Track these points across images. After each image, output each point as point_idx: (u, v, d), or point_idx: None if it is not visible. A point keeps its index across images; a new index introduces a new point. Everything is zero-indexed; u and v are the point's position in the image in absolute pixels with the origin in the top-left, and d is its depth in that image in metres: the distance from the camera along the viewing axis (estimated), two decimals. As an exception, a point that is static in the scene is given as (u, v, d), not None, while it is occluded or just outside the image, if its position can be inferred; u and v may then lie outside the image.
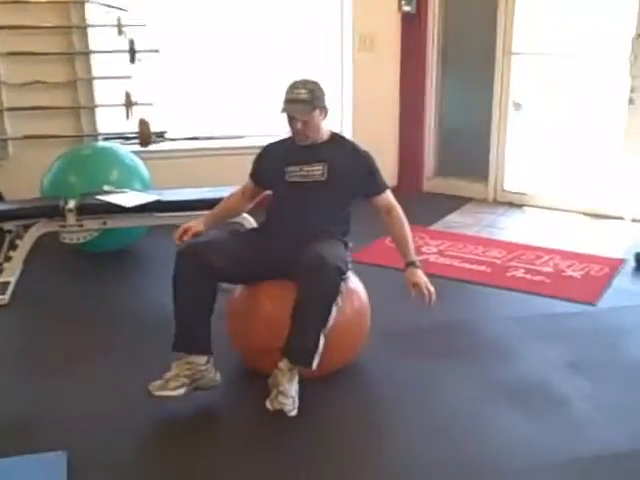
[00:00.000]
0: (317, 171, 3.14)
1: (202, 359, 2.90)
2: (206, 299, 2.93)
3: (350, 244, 3.24)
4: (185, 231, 3.18)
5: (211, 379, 2.95)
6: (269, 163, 3.28)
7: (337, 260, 2.89)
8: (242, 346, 3.20)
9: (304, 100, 3.03)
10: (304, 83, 3.08)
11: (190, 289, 2.91)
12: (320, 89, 3.12)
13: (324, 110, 3.13)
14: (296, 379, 2.81)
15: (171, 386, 2.83)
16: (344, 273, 2.93)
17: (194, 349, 2.91)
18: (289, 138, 3.29)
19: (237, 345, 3.21)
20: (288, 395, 2.74)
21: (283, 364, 2.81)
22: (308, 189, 3.14)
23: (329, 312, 2.84)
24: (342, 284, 2.91)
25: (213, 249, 2.96)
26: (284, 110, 3.07)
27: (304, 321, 2.83)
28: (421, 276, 3.08)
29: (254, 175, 3.35)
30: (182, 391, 2.83)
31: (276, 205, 3.26)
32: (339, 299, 2.89)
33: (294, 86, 3.08)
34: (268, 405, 2.73)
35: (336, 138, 3.30)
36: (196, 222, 3.25)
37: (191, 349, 2.91)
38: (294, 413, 2.74)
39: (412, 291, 3.06)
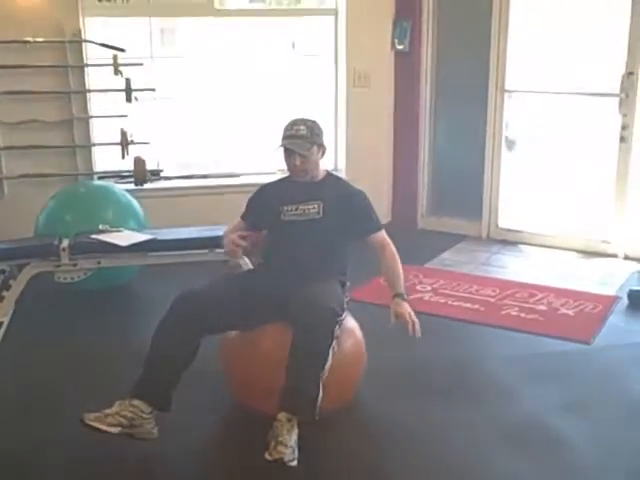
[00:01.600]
0: (313, 209, 3.17)
1: (148, 408, 2.82)
2: (188, 352, 2.91)
3: (348, 283, 3.25)
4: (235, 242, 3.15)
5: (149, 430, 2.84)
6: (264, 204, 3.30)
7: (332, 303, 2.88)
8: (237, 385, 3.18)
9: (303, 136, 3.09)
10: (303, 121, 3.15)
11: (178, 336, 2.88)
12: (318, 127, 3.18)
13: (322, 148, 3.19)
14: (295, 429, 2.72)
15: (107, 421, 2.73)
16: (339, 315, 2.92)
17: (153, 400, 2.84)
18: (285, 178, 3.33)
19: (232, 383, 3.19)
20: (287, 445, 2.64)
21: (282, 416, 2.72)
22: (304, 227, 3.16)
23: (326, 358, 2.81)
24: (337, 328, 2.89)
25: (212, 302, 2.95)
26: (283, 145, 3.10)
27: (302, 372, 2.77)
28: (406, 307, 3.06)
29: (246, 216, 3.36)
30: (116, 430, 2.73)
31: (272, 244, 3.28)
32: (335, 344, 2.86)
33: (293, 123, 3.14)
34: (267, 456, 2.62)
35: (331, 177, 3.35)
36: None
37: (150, 398, 2.83)
38: (294, 463, 2.64)
39: (394, 319, 3.02)
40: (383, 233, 3.27)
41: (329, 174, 3.36)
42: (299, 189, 3.21)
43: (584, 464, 2.84)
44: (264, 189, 3.39)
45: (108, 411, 2.77)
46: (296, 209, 3.17)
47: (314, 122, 3.18)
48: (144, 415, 2.81)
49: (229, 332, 3.16)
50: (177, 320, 2.90)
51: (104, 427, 2.71)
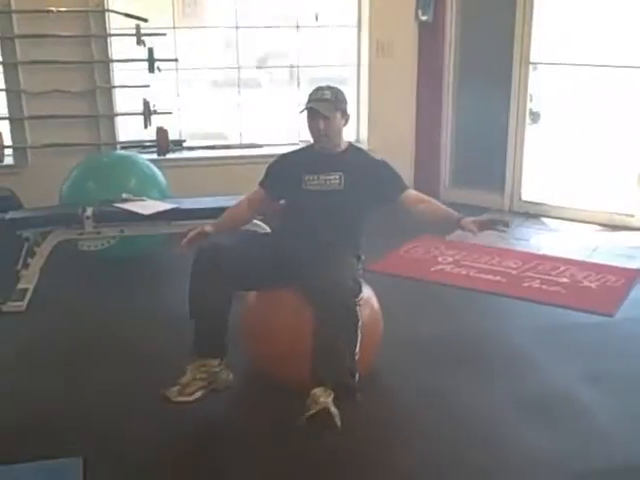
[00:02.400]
0: (334, 180, 3.17)
1: (216, 361, 2.92)
2: (221, 306, 2.95)
3: (362, 257, 3.24)
4: (191, 238, 3.17)
5: (224, 379, 2.95)
6: (284, 172, 3.30)
7: (350, 281, 2.87)
8: (255, 351, 3.21)
9: (327, 100, 3.11)
10: (328, 87, 3.18)
11: (205, 296, 2.92)
12: (343, 94, 3.21)
13: (345, 115, 3.20)
14: (331, 398, 2.65)
15: (188, 391, 2.82)
16: (357, 296, 2.89)
17: (215, 352, 2.93)
18: (307, 148, 3.33)
19: (249, 351, 3.22)
20: (331, 405, 2.60)
21: (317, 390, 2.64)
22: (324, 198, 3.16)
23: (357, 337, 2.80)
24: (358, 309, 2.86)
25: (228, 257, 2.97)
26: (307, 106, 3.12)
27: (336, 349, 2.74)
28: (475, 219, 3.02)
29: (266, 183, 3.35)
30: (199, 394, 2.83)
31: (291, 213, 3.28)
32: (360, 324, 2.84)
33: (318, 88, 3.17)
34: (310, 412, 2.55)
35: (353, 149, 3.35)
36: (203, 227, 3.24)
37: (212, 351, 2.92)
38: (338, 421, 2.58)
39: (477, 233, 2.97)
40: (413, 190, 3.31)
41: (351, 145, 3.36)
42: (321, 159, 3.21)
43: (605, 435, 2.84)
44: (285, 157, 3.38)
45: (184, 380, 2.84)
46: (317, 179, 3.17)
47: (339, 89, 3.20)
48: (215, 369, 2.90)
49: (246, 291, 3.19)
50: (201, 272, 2.93)
51: (190, 399, 2.81)
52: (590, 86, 5.64)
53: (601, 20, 5.37)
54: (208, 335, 2.94)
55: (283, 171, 3.31)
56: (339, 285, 2.82)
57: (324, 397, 2.63)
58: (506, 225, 3.03)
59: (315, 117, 3.11)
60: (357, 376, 2.77)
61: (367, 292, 3.20)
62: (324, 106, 3.09)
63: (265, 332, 3.08)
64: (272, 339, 3.04)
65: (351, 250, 3.15)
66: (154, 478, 2.62)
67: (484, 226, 2.98)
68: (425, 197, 3.26)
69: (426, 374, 3.30)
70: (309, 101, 3.13)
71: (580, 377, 3.27)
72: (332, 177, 3.17)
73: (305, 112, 3.15)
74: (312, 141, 3.25)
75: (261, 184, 3.37)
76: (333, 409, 2.59)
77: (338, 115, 3.13)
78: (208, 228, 3.22)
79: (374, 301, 3.24)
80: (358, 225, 3.25)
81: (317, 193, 3.17)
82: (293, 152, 3.42)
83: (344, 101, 3.19)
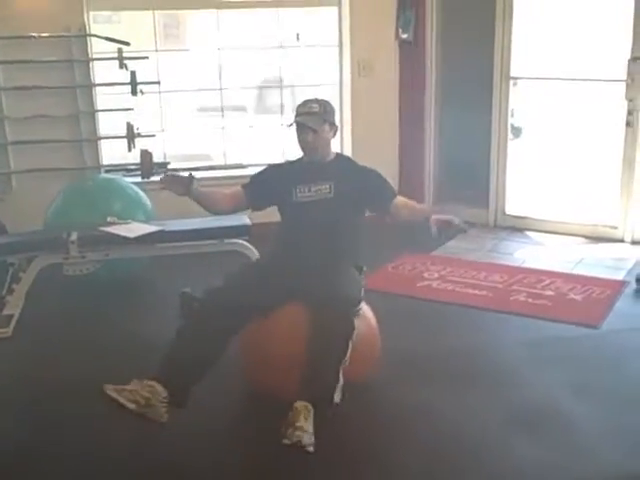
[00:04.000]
0: (325, 189, 3.20)
1: (165, 393, 2.78)
2: (209, 357, 2.89)
3: (364, 268, 3.27)
4: (169, 181, 3.20)
5: (161, 414, 2.76)
6: (272, 183, 3.32)
7: (351, 292, 2.90)
8: (252, 367, 3.19)
9: (316, 113, 3.15)
10: (316, 99, 3.22)
11: (209, 334, 2.88)
12: (331, 106, 3.25)
13: (334, 127, 3.24)
14: (312, 417, 2.69)
15: (125, 396, 2.70)
16: (357, 305, 2.91)
17: (172, 391, 2.79)
18: (295, 161, 3.37)
19: (246, 366, 3.21)
20: (305, 430, 2.62)
21: (299, 404, 2.69)
22: (316, 208, 3.19)
23: (346, 350, 2.81)
24: (355, 319, 2.89)
25: (237, 302, 2.95)
26: (296, 120, 3.14)
27: (322, 358, 2.78)
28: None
29: (248, 189, 3.35)
30: (132, 406, 2.68)
31: (285, 227, 3.30)
32: (354, 334, 2.86)
33: (306, 101, 3.21)
34: (285, 440, 2.59)
35: (342, 158, 3.43)
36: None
37: (170, 388, 2.79)
38: (311, 449, 2.61)
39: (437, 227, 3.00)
40: (399, 196, 3.35)
41: (339, 155, 3.43)
42: (310, 169, 3.25)
43: (592, 446, 2.85)
44: (273, 167, 3.43)
45: (127, 387, 2.75)
46: (309, 190, 3.21)
47: (327, 101, 3.24)
48: (160, 398, 2.76)
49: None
50: (208, 318, 2.90)
51: (122, 400, 2.68)
52: (570, 100, 5.69)
53: (578, 34, 5.44)
54: (179, 374, 2.84)
55: (270, 182, 3.33)
56: (339, 293, 2.86)
57: (303, 417, 2.64)
58: (463, 231, 3.07)
59: (304, 131, 3.15)
60: (339, 386, 2.78)
61: (364, 307, 3.22)
62: (312, 120, 3.12)
63: (264, 351, 3.07)
64: (271, 357, 3.02)
65: (351, 260, 3.19)
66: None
67: (444, 231, 3.01)
68: (408, 202, 3.31)
69: (413, 388, 3.30)
70: (297, 114, 3.17)
71: (567, 389, 3.28)
72: (323, 187, 3.21)
73: (294, 126, 3.18)
74: (301, 154, 3.29)
75: (243, 187, 3.36)
76: (306, 439, 2.59)
77: (326, 127, 3.17)
78: (188, 181, 3.19)
79: (371, 316, 3.25)
80: (354, 232, 3.28)
81: (310, 204, 3.20)
82: (281, 163, 3.46)
83: (332, 112, 3.24)
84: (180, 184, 3.20)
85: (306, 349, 2.81)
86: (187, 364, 2.87)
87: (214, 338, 2.90)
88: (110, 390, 2.69)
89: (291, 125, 3.18)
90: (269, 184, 3.32)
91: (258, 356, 3.13)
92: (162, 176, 3.24)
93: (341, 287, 2.90)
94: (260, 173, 3.40)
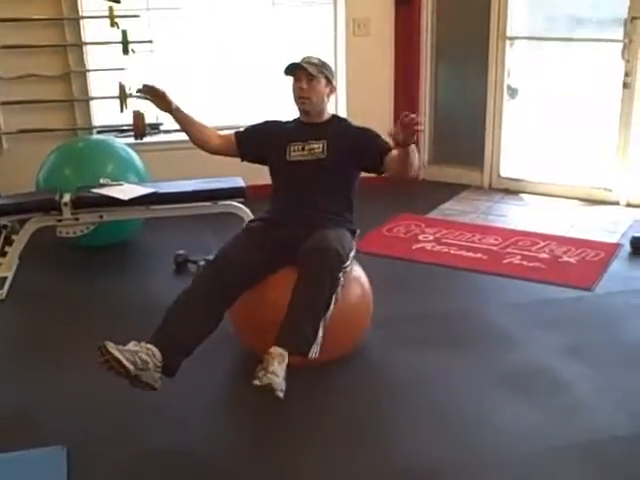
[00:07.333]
0: (317, 149, 3.20)
1: (161, 358, 2.74)
2: (205, 326, 2.88)
3: (357, 231, 3.27)
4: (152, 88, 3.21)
5: (155, 379, 2.72)
6: (266, 136, 3.33)
7: (338, 246, 2.91)
8: (243, 326, 3.20)
9: (315, 64, 3.15)
10: (316, 56, 3.22)
11: (206, 305, 2.87)
12: (330, 66, 3.26)
13: (330, 85, 3.23)
14: (285, 364, 2.71)
15: (125, 356, 2.63)
16: (344, 261, 2.93)
17: (165, 358, 2.76)
18: (290, 121, 3.36)
19: (238, 324, 3.20)
20: (278, 375, 2.64)
21: (274, 349, 2.73)
22: (309, 167, 3.19)
23: (328, 304, 2.84)
24: (341, 275, 2.91)
25: (234, 268, 2.94)
26: (293, 64, 3.13)
27: (302, 307, 2.82)
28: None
29: (241, 135, 3.37)
30: (131, 367, 2.62)
31: (278, 187, 3.30)
32: (339, 290, 2.89)
33: (306, 55, 3.21)
34: (256, 382, 2.61)
35: (336, 119, 3.40)
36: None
37: (164, 354, 2.76)
38: (281, 394, 2.63)
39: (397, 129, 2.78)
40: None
41: (335, 116, 3.42)
42: (304, 128, 3.26)
43: (587, 407, 2.87)
44: (270, 122, 3.41)
45: (126, 347, 2.69)
46: (302, 148, 3.21)
47: (325, 62, 3.23)
48: (157, 363, 2.73)
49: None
50: (203, 288, 2.90)
51: (123, 359, 2.61)
52: (567, 60, 5.63)
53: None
54: (174, 340, 2.81)
55: (266, 135, 3.33)
56: (326, 245, 2.87)
57: (277, 362, 2.67)
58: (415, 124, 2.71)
59: (299, 77, 3.14)
60: (317, 342, 2.81)
61: (357, 271, 3.22)
62: (310, 67, 3.12)
63: (254, 307, 3.06)
64: (261, 314, 3.03)
65: (344, 223, 3.18)
66: (139, 466, 2.61)
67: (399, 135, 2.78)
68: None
69: (406, 351, 3.31)
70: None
71: (561, 351, 3.30)
72: (315, 146, 3.20)
73: (291, 78, 3.17)
74: (297, 115, 3.29)
75: (236, 133, 3.38)
76: (277, 383, 2.61)
77: (323, 80, 3.16)
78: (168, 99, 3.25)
79: (364, 280, 3.25)
80: (347, 195, 3.28)
81: (302, 163, 3.20)
82: (278, 120, 3.42)
83: (331, 71, 3.24)
84: (162, 99, 3.22)
85: (290, 298, 2.84)
86: (181, 337, 2.84)
87: (210, 310, 2.89)
88: (112, 347, 2.64)
89: (287, 69, 3.16)
90: (264, 137, 3.33)
91: (249, 317, 3.12)
92: (140, 87, 3.23)
93: (329, 241, 2.91)
94: (257, 124, 3.41)
